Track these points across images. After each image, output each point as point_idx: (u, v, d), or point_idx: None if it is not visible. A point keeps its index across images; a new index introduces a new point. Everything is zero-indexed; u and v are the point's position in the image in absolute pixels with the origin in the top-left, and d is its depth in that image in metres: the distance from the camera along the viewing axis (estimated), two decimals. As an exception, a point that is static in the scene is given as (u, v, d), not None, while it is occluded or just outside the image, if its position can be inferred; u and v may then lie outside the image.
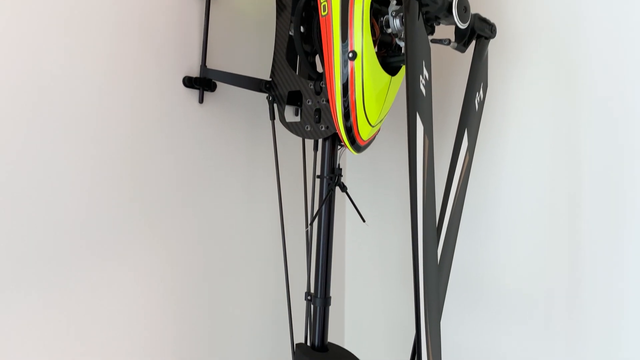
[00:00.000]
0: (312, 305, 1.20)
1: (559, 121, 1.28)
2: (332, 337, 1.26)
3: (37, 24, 1.01)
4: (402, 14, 1.01)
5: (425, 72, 0.93)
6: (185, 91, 1.26)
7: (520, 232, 1.34)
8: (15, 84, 0.98)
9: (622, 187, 1.19)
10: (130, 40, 1.15)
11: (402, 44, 1.07)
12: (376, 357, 1.66)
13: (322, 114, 1.12)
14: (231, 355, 1.40)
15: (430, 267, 0.91)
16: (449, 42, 1.06)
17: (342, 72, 1.03)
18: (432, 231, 0.93)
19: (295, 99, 1.21)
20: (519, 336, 1.35)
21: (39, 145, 1.01)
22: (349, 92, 1.03)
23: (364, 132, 1.07)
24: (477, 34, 1.12)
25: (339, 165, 1.17)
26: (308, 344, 1.23)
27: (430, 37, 1.02)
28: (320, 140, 1.22)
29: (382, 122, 1.15)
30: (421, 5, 0.94)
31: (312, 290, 1.21)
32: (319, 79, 1.13)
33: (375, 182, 1.66)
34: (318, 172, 1.20)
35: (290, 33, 1.20)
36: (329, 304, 1.18)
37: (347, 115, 1.05)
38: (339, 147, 1.17)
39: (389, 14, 1.05)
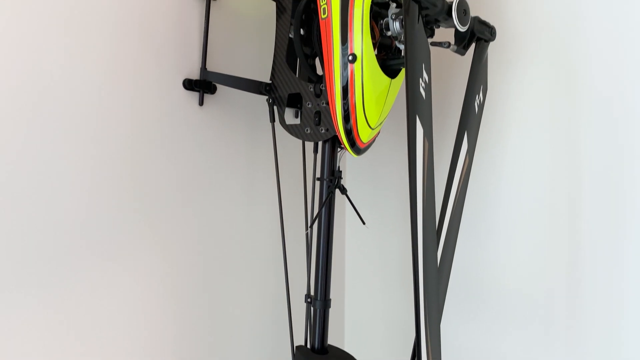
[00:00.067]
0: (312, 308, 1.20)
1: (559, 122, 1.28)
2: (332, 340, 1.26)
3: (37, 25, 1.01)
4: (401, 16, 1.01)
5: (425, 75, 0.93)
6: (185, 93, 1.26)
7: (520, 234, 1.34)
8: (15, 85, 0.98)
9: (622, 188, 1.19)
10: (131, 43, 1.15)
11: (401, 46, 1.08)
12: (376, 360, 1.66)
13: (322, 116, 1.12)
14: (231, 357, 1.40)
15: (430, 269, 0.91)
16: (449, 45, 1.07)
17: (342, 75, 1.03)
18: (432, 233, 0.93)
19: (295, 101, 1.22)
20: (519, 338, 1.35)
21: (39, 146, 1.01)
22: (349, 95, 1.03)
23: (364, 134, 1.08)
24: (477, 36, 1.13)
25: (338, 167, 1.17)
26: (308, 346, 1.23)
27: (429, 40, 1.02)
28: (320, 143, 1.22)
29: (382, 124, 1.15)
30: (421, 8, 0.94)
31: (312, 293, 1.21)
32: (319, 82, 1.13)
33: (375, 184, 1.66)
34: (318, 175, 1.20)
35: (290, 35, 1.20)
36: (329, 306, 1.18)
37: (347, 118, 1.05)
38: (338, 149, 1.17)
39: (389, 16, 1.05)
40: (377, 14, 1.08)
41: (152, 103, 1.19)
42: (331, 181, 1.16)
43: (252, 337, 1.46)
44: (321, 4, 1.06)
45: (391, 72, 1.09)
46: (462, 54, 1.12)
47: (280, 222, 1.27)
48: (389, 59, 1.11)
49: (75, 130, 1.07)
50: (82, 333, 1.09)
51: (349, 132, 1.06)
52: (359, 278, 1.73)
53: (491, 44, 1.18)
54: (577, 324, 1.25)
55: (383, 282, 1.66)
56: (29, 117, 1.00)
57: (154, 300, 1.22)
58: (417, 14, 0.93)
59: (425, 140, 0.91)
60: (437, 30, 1.12)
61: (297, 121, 1.19)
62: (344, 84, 1.03)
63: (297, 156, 1.41)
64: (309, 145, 1.36)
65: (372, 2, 1.03)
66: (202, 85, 1.27)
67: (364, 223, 1.26)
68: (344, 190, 1.17)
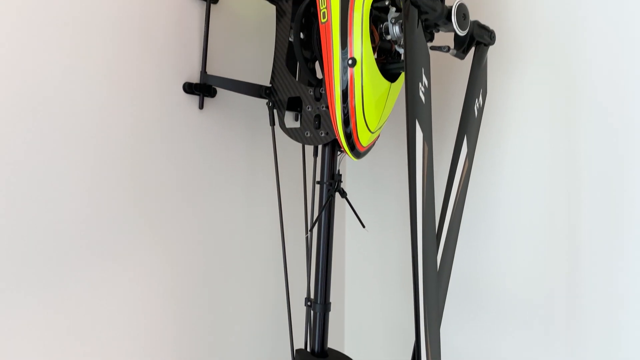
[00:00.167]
0: (312, 311, 1.20)
1: (558, 127, 1.28)
2: (332, 343, 1.26)
3: (39, 29, 1.02)
4: (401, 20, 1.01)
5: (424, 79, 0.93)
6: (185, 97, 1.26)
7: (520, 237, 1.34)
8: (17, 88, 0.99)
9: (621, 192, 1.19)
10: (131, 46, 1.16)
11: (401, 50, 1.08)
12: (376, 363, 1.66)
13: (321, 120, 1.12)
14: (231, 360, 1.40)
15: (429, 272, 0.91)
16: (448, 49, 1.07)
17: (342, 79, 1.03)
18: (432, 237, 0.93)
19: (295, 105, 1.22)
20: (519, 341, 1.35)
21: (40, 148, 1.02)
22: (349, 99, 1.03)
23: (364, 138, 1.08)
24: (476, 40, 1.13)
25: (338, 171, 1.17)
26: (308, 349, 1.22)
27: (429, 44, 1.02)
28: (320, 146, 1.22)
29: (382, 128, 1.15)
30: (420, 12, 0.94)
31: (312, 296, 1.21)
32: (319, 85, 1.13)
33: (375, 188, 1.66)
34: (318, 178, 1.20)
35: (290, 39, 1.20)
36: (329, 310, 1.18)
37: (346, 122, 1.05)
38: (338, 153, 1.17)
39: (388, 20, 1.05)
40: (377, 17, 1.08)
41: (153, 106, 1.20)
42: (331, 185, 1.16)
43: (252, 340, 1.46)
44: (321, 8, 1.06)
45: (391, 76, 1.10)
46: (462, 58, 1.12)
47: (280, 225, 1.27)
48: (389, 63, 1.11)
49: (76, 132, 1.07)
50: (82, 333, 1.09)
51: (348, 136, 1.06)
52: (359, 281, 1.73)
53: (491, 47, 1.19)
54: (576, 325, 1.26)
55: (383, 285, 1.66)
56: (30, 118, 1.01)
57: (154, 302, 1.22)
58: (417, 18, 0.93)
59: (425, 144, 0.91)
60: (436, 35, 1.13)
61: (297, 125, 1.19)
62: (344, 87, 1.03)
63: (297, 159, 1.41)
64: (309, 149, 1.36)
65: (371, 6, 1.03)
66: (202, 88, 1.27)
67: (363, 226, 1.27)
68: (343, 194, 1.17)
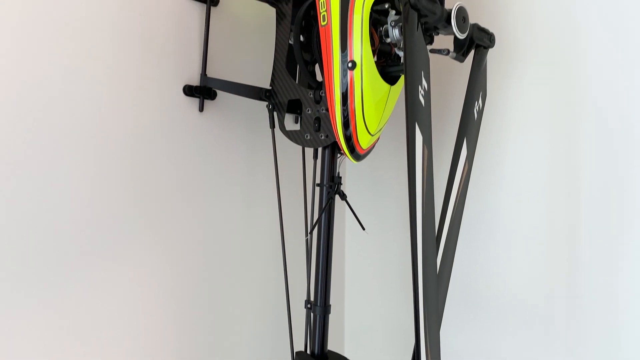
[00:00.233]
0: (312, 313, 1.20)
1: (558, 129, 1.28)
2: (331, 345, 1.26)
3: (41, 32, 1.02)
4: (401, 23, 1.01)
5: (424, 82, 0.93)
6: (185, 100, 1.26)
7: (520, 237, 1.34)
8: (18, 90, 0.99)
9: (621, 193, 1.19)
10: (131, 49, 1.16)
11: (401, 53, 1.08)
12: (376, 365, 1.66)
13: (321, 122, 1.12)
14: (231, 363, 1.40)
15: (429, 275, 0.91)
16: (448, 52, 1.07)
17: (342, 82, 1.03)
18: (432, 239, 0.93)
19: (295, 107, 1.22)
20: (519, 342, 1.35)
21: (41, 150, 1.02)
22: (349, 101, 1.03)
23: (364, 141, 1.08)
24: (476, 43, 1.13)
25: (338, 173, 1.18)
26: (308, 351, 1.22)
27: (429, 47, 1.03)
28: (320, 149, 1.22)
29: (382, 130, 1.15)
30: (420, 16, 0.94)
31: (312, 298, 1.21)
32: (319, 88, 1.13)
33: (374, 190, 1.66)
34: (318, 181, 1.20)
35: (290, 42, 1.20)
36: (329, 312, 1.18)
37: (346, 124, 1.05)
38: (338, 155, 1.17)
39: (388, 23, 1.05)
40: (377, 20, 1.08)
41: (153, 108, 1.20)
42: (331, 187, 1.16)
43: (252, 342, 1.46)
44: (321, 11, 1.06)
45: (390, 79, 1.10)
46: (462, 60, 1.12)
47: (280, 227, 1.27)
48: (389, 66, 1.11)
49: (76, 134, 1.07)
50: (82, 333, 1.09)
51: (348, 139, 1.06)
52: (359, 283, 1.73)
53: (490, 53, 1.19)
54: (576, 325, 1.26)
55: (383, 287, 1.66)
56: (31, 119, 1.01)
57: (154, 303, 1.22)
58: (417, 21, 0.93)
59: (425, 147, 0.91)
60: (436, 37, 1.13)
61: (297, 127, 1.19)
62: (344, 90, 1.03)
63: (297, 162, 1.42)
64: (309, 151, 1.36)
65: (371, 9, 1.04)
66: (202, 91, 1.28)
67: (363, 229, 1.27)
68: (343, 196, 1.17)
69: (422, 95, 0.92)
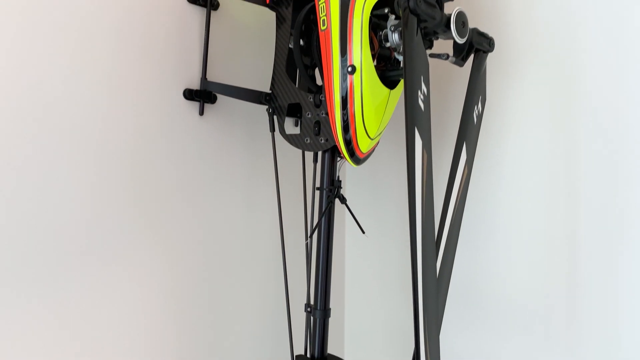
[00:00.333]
0: (311, 317, 1.20)
1: (557, 133, 1.29)
2: (331, 349, 1.26)
3: (41, 36, 1.03)
4: (400, 28, 1.02)
5: (423, 87, 0.93)
6: (185, 103, 1.27)
7: (520, 240, 1.35)
8: (20, 93, 1.00)
9: (620, 194, 1.19)
10: (132, 53, 1.16)
11: (400, 57, 1.08)
12: (376, 368, 1.66)
13: (321, 126, 1.12)
14: (231, 366, 1.41)
15: (429, 280, 0.91)
16: (447, 56, 1.07)
17: (342, 86, 1.04)
18: (431, 243, 0.93)
19: (295, 111, 1.22)
20: (519, 346, 1.35)
21: (42, 154, 1.03)
22: (348, 105, 1.04)
23: (363, 144, 1.08)
24: (476, 47, 1.13)
25: (338, 177, 1.18)
26: (308, 355, 1.23)
27: (428, 52, 1.03)
28: (319, 153, 1.22)
29: (381, 134, 1.15)
30: (419, 21, 0.95)
31: (312, 302, 1.21)
32: (319, 92, 1.14)
33: (374, 193, 1.67)
34: (318, 184, 1.20)
35: (290, 46, 1.21)
36: (329, 316, 1.18)
37: (346, 128, 1.05)
38: (338, 159, 1.18)
39: (388, 28, 1.06)
40: (376, 25, 1.08)
41: (153, 112, 1.20)
42: (331, 191, 1.16)
43: (252, 346, 1.46)
44: (321, 15, 1.06)
45: (390, 83, 1.10)
46: (461, 65, 1.13)
47: (280, 231, 1.27)
48: (388, 70, 1.11)
49: (77, 137, 1.08)
50: (83, 333, 1.10)
51: (348, 143, 1.07)
52: (359, 287, 1.73)
53: (489, 57, 1.19)
54: (576, 328, 1.26)
55: (383, 291, 1.66)
56: (33, 122, 1.02)
57: (154, 305, 1.22)
58: (416, 26, 0.94)
59: (424, 151, 0.91)
60: (435, 42, 1.13)
61: (297, 130, 1.19)
62: (344, 94, 1.04)
63: (297, 166, 1.42)
64: (309, 155, 1.37)
65: (371, 13, 1.04)
66: (203, 95, 1.28)
67: (363, 232, 1.27)
68: (343, 200, 1.17)
69: (421, 99, 0.92)
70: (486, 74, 1.21)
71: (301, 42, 1.16)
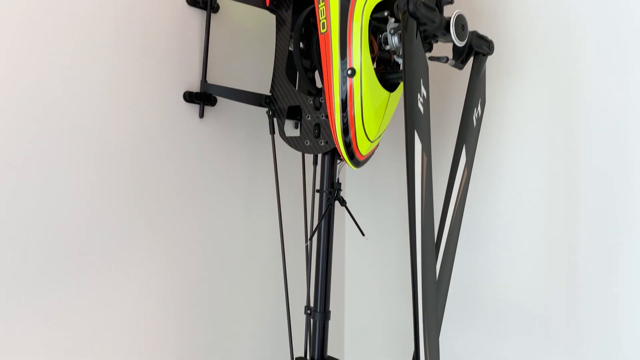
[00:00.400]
0: (311, 319, 1.20)
1: (557, 133, 1.29)
2: (331, 351, 1.26)
3: (42, 38, 1.03)
4: (400, 31, 1.02)
5: (423, 90, 0.94)
6: (185, 106, 1.27)
7: (520, 243, 1.35)
8: (20, 94, 1.00)
9: (620, 195, 1.19)
10: (132, 56, 1.16)
11: (400, 60, 1.09)
12: (376, 370, 1.66)
13: (321, 129, 1.13)
14: (231, 368, 1.41)
15: (429, 282, 0.92)
16: (447, 59, 1.08)
17: (341, 89, 1.04)
18: (431, 246, 0.93)
19: (295, 113, 1.22)
20: (519, 347, 1.35)
21: (42, 156, 1.03)
22: (348, 108, 1.04)
23: (363, 147, 1.08)
24: (475, 50, 1.13)
25: (338, 179, 1.18)
26: (307, 357, 1.23)
27: (428, 55, 1.03)
28: (319, 155, 1.23)
29: (381, 137, 1.16)
30: (419, 24, 0.95)
31: (311, 304, 1.21)
32: (319, 95, 1.14)
33: (374, 196, 1.67)
34: (318, 187, 1.21)
35: (290, 49, 1.21)
36: (329, 318, 1.18)
37: (346, 131, 1.05)
38: (338, 161, 1.18)
39: (387, 31, 1.06)
40: (376, 28, 1.09)
41: (153, 115, 1.20)
42: (331, 193, 1.17)
43: (252, 349, 1.46)
44: (320, 18, 1.07)
45: (390, 86, 1.10)
46: (460, 68, 1.13)
47: (280, 233, 1.27)
48: (388, 73, 1.12)
49: (77, 139, 1.08)
50: (82, 333, 1.10)
51: (348, 145, 1.07)
52: (359, 289, 1.73)
53: (489, 60, 1.19)
54: (576, 328, 1.26)
55: (383, 293, 1.67)
56: (33, 123, 1.02)
57: (154, 306, 1.22)
58: (416, 29, 0.94)
59: (424, 154, 0.91)
60: (435, 45, 1.13)
61: (297, 133, 1.19)
62: (343, 97, 1.04)
63: (296, 168, 1.42)
64: (309, 157, 1.37)
65: (370, 16, 1.04)
66: (203, 97, 1.28)
67: (363, 235, 1.27)
68: (343, 202, 1.18)
69: (421, 103, 0.92)
70: (486, 76, 1.21)
71: (301, 45, 1.17)
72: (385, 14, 1.06)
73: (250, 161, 1.42)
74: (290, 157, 1.43)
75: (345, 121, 1.05)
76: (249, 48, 1.41)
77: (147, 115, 1.19)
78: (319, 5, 1.07)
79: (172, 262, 1.25)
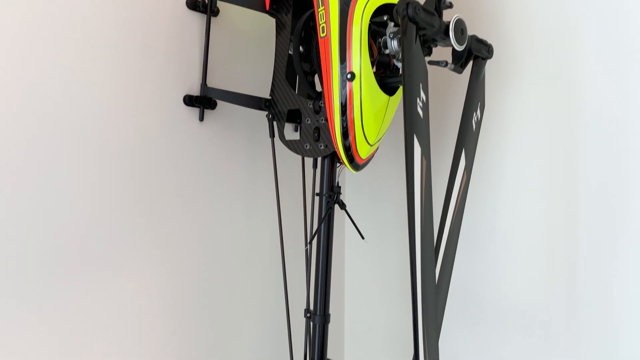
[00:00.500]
0: (311, 323, 1.20)
1: (557, 133, 1.29)
2: (331, 354, 1.26)
3: (42, 42, 1.03)
4: (399, 36, 1.02)
5: (422, 94, 0.94)
6: (185, 109, 1.27)
7: (519, 243, 1.35)
8: (21, 96, 1.00)
9: (620, 196, 1.19)
10: (132, 59, 1.17)
11: (399, 64, 1.09)
12: (375, 373, 1.66)
13: (321, 132, 1.13)
14: (230, 372, 1.41)
15: (428, 286, 0.92)
16: (446, 63, 1.08)
17: (341, 93, 1.04)
18: (430, 250, 0.93)
19: (294, 116, 1.23)
20: (519, 347, 1.35)
21: (42, 158, 1.03)
22: (348, 112, 1.04)
23: (363, 151, 1.09)
24: (474, 54, 1.14)
25: (338, 183, 1.18)
26: (307, 361, 1.23)
27: (427, 59, 1.03)
28: (319, 159, 1.23)
29: (381, 140, 1.16)
30: (418, 28, 0.95)
31: (311, 308, 1.21)
32: (318, 98, 1.14)
33: (374, 199, 1.67)
34: (317, 190, 1.21)
35: (289, 52, 1.21)
36: (328, 322, 1.19)
37: (345, 135, 1.06)
38: (337, 165, 1.18)
39: (387, 35, 1.06)
40: (376, 32, 1.09)
41: (153, 118, 1.21)
42: (330, 197, 1.17)
43: (251, 351, 1.46)
44: (320, 22, 1.07)
45: (389, 89, 1.10)
46: (460, 72, 1.13)
47: (280, 237, 1.27)
48: (387, 77, 1.12)
49: (77, 142, 1.08)
50: (82, 334, 1.10)
51: (347, 149, 1.07)
52: (359, 292, 1.73)
53: (488, 64, 1.20)
54: (576, 330, 1.26)
55: (382, 296, 1.67)
56: (34, 126, 1.02)
57: (154, 308, 1.22)
58: (415, 34, 0.94)
59: (423, 158, 0.91)
60: (434, 49, 1.14)
61: (297, 136, 1.20)
62: (343, 101, 1.04)
63: (296, 171, 1.42)
64: (309, 161, 1.37)
65: (370, 20, 1.05)
66: (203, 101, 1.28)
67: (363, 238, 1.27)
68: (343, 206, 1.18)
69: (420, 107, 0.93)
70: (485, 79, 1.22)
71: (301, 49, 1.17)
72: (385, 18, 1.07)
73: (250, 164, 1.43)
74: (290, 161, 1.43)
75: (344, 125, 1.05)
76: (249, 52, 1.42)
77: (147, 118, 1.19)
78: (319, 9, 1.07)
79: (172, 265, 1.25)
